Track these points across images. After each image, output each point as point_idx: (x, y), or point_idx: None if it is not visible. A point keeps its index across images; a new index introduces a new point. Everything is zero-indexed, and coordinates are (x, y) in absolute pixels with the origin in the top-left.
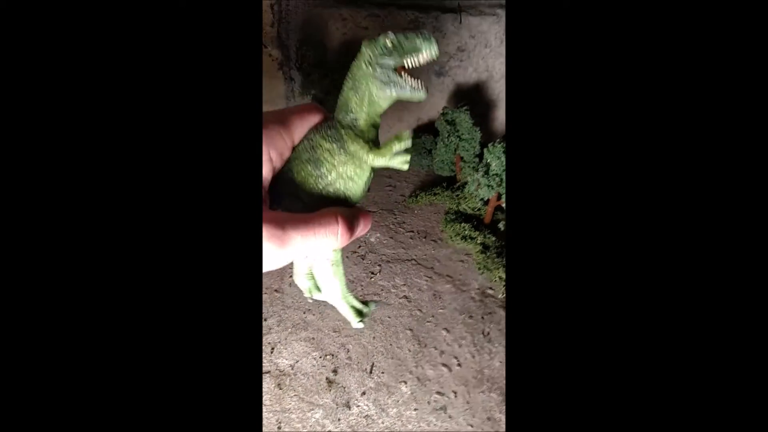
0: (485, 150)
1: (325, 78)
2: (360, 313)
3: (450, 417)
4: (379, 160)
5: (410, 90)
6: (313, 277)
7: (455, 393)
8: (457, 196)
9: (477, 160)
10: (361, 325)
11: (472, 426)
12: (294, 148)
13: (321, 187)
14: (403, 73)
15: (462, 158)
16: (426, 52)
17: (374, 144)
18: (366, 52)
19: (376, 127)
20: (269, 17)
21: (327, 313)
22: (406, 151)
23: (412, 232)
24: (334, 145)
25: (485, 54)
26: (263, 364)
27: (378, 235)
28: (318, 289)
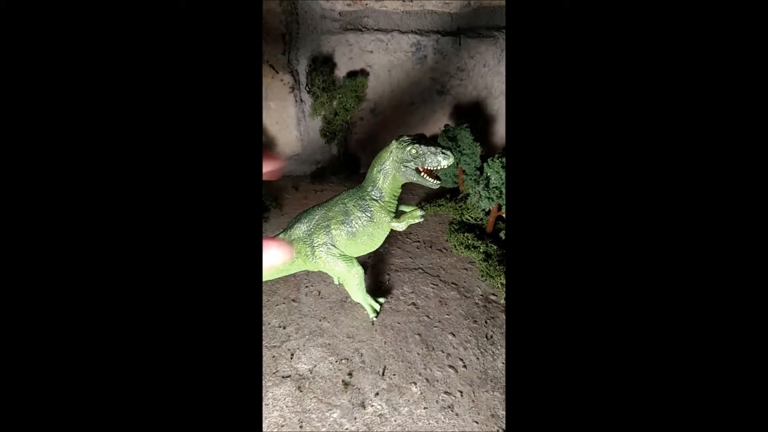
0: (485, 164)
1: (333, 100)
2: (375, 311)
3: (457, 415)
4: (397, 227)
5: (427, 183)
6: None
7: (461, 392)
8: (460, 207)
9: (478, 173)
10: (374, 317)
11: (477, 423)
12: (331, 208)
13: (350, 241)
14: (422, 172)
15: (464, 171)
16: (444, 164)
17: (395, 213)
18: (396, 152)
19: (396, 197)
20: (281, 46)
21: (341, 321)
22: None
23: (419, 242)
24: (364, 214)
25: (484, 73)
26: (284, 369)
27: (386, 245)
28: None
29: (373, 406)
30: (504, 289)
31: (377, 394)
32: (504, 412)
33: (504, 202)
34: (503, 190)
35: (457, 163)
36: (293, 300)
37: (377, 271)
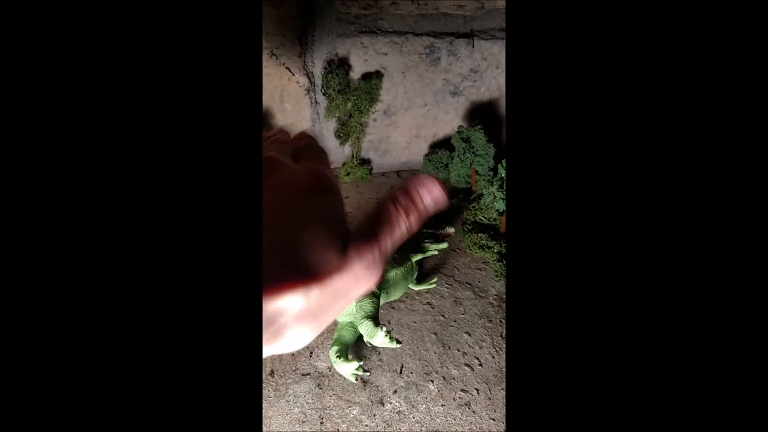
0: (500, 165)
1: (348, 102)
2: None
3: (474, 412)
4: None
5: (440, 245)
6: (337, 342)
7: (478, 390)
8: (473, 207)
9: (491, 173)
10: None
11: (494, 420)
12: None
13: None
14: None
15: (477, 171)
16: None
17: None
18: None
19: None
20: (297, 49)
21: None
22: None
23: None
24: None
25: (497, 74)
26: (304, 367)
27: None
28: (344, 357)
29: (391, 403)
30: None
31: (395, 391)
32: None
33: None
34: None
35: (471, 164)
36: None
37: None
